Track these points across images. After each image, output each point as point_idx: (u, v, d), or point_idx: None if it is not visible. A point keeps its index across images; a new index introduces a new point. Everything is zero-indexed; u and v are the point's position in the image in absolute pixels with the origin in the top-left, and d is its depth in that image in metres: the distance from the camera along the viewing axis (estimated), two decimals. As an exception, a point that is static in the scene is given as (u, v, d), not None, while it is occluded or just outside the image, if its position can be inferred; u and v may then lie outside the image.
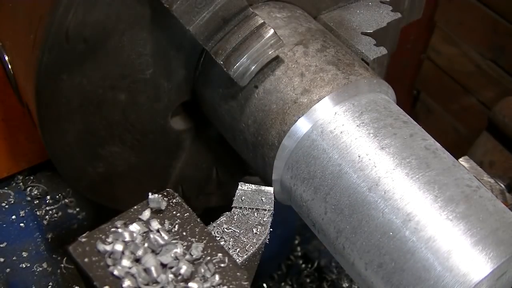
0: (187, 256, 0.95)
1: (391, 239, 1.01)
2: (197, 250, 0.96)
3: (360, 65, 1.23)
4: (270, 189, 1.13)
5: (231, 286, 0.93)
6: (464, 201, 1.01)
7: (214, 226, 1.08)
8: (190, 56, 1.30)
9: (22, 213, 1.81)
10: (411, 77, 3.43)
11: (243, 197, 1.12)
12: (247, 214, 1.11)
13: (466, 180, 1.05)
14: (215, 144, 1.55)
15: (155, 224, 0.98)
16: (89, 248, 0.93)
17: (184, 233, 0.99)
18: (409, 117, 1.18)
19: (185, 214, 1.02)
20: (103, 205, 1.51)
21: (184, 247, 0.96)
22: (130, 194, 1.46)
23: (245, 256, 1.04)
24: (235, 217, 1.10)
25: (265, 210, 1.11)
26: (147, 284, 0.89)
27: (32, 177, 1.89)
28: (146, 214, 1.00)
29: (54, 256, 1.80)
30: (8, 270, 1.73)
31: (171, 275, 0.91)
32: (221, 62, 1.13)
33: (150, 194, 1.02)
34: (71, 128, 1.25)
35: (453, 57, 3.14)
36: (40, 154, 1.85)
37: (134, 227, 0.97)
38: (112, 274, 0.90)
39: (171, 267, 0.92)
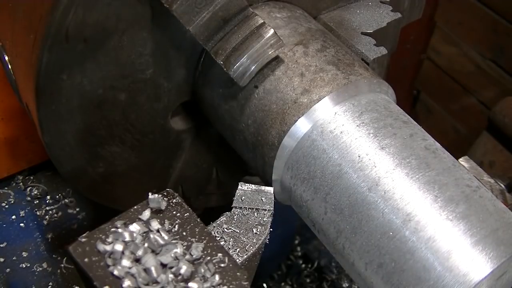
0: (187, 256, 0.95)
1: (391, 239, 1.01)
2: (197, 250, 0.96)
3: (360, 65, 1.23)
4: (270, 189, 1.13)
5: (231, 286, 0.93)
6: (464, 201, 1.01)
7: (214, 226, 1.08)
8: (190, 56, 1.30)
9: (22, 213, 1.81)
10: (411, 77, 3.44)
11: (243, 197, 1.12)
12: (247, 214, 1.10)
13: (466, 180, 1.05)
14: (215, 144, 1.55)
15: (155, 224, 0.98)
16: (89, 248, 0.93)
17: (184, 233, 0.99)
18: (409, 117, 1.18)
19: (185, 214, 1.02)
20: (103, 205, 1.51)
21: (184, 247, 0.96)
22: (130, 194, 1.46)
23: (245, 256, 1.04)
24: (235, 217, 1.10)
25: (265, 210, 1.11)
26: (147, 284, 0.89)
27: (32, 177, 1.89)
28: (146, 214, 1.00)
29: (54, 256, 1.80)
30: (8, 270, 1.73)
31: (171, 275, 0.91)
32: (221, 62, 1.13)
33: (150, 194, 1.02)
34: (71, 128, 1.25)
35: (453, 57, 3.15)
36: (40, 154, 1.85)
37: (134, 227, 0.97)
38: (112, 274, 0.90)
39: (171, 267, 0.92)
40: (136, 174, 1.45)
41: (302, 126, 1.14)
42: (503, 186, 1.25)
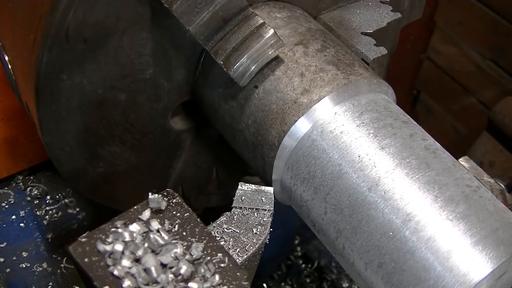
0: (187, 256, 0.95)
1: (391, 239, 1.01)
2: (197, 250, 0.96)
3: (360, 65, 1.23)
4: (270, 189, 1.13)
5: (231, 286, 0.93)
6: (464, 201, 1.01)
7: (214, 226, 1.08)
8: (190, 56, 1.30)
9: (22, 213, 1.81)
10: (411, 77, 3.44)
11: (243, 197, 1.12)
12: (247, 214, 1.11)
13: (466, 180, 1.05)
14: (215, 144, 1.55)
15: (155, 224, 0.98)
16: (89, 248, 0.93)
17: (184, 233, 0.99)
18: (409, 117, 1.18)
19: (185, 214, 1.02)
20: (103, 205, 1.51)
21: (184, 247, 0.96)
22: (130, 194, 1.46)
23: (245, 256, 1.04)
24: (235, 217, 1.10)
25: (265, 210, 1.11)
26: (147, 284, 0.89)
27: (32, 177, 1.89)
28: (146, 214, 1.00)
29: (54, 256, 1.80)
30: (8, 270, 1.73)
31: (171, 275, 0.91)
32: (221, 62, 1.13)
33: (150, 194, 1.02)
34: (71, 128, 1.25)
35: (453, 57, 3.15)
36: (40, 154, 1.85)
37: (134, 227, 0.97)
38: (112, 274, 0.90)
39: (171, 267, 0.92)
40: (136, 174, 1.45)
41: (302, 126, 1.14)
42: (503, 186, 1.25)
